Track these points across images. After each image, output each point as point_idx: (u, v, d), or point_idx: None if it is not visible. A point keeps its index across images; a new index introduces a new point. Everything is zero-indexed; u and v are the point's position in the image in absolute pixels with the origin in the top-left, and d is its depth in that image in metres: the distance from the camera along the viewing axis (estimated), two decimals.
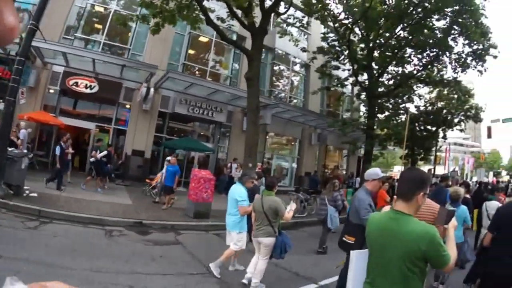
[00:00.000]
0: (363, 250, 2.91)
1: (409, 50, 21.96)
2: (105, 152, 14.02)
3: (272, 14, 15.22)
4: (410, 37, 20.22)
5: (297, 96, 26.40)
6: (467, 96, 26.62)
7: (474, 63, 20.54)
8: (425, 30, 19.48)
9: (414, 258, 2.33)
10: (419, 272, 2.38)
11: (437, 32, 19.68)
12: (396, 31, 20.38)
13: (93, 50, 16.60)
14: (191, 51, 20.66)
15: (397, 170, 55.04)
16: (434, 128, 28.40)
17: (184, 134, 20.92)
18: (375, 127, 22.39)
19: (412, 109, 27.06)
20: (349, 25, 20.05)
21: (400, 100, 25.98)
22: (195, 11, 12.78)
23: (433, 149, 31.83)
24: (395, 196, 2.68)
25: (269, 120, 20.33)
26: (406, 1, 18.32)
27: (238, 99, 18.59)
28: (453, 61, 21.22)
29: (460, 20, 18.25)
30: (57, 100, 17.02)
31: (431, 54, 21.16)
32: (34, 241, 6.90)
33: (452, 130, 30.10)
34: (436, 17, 19.07)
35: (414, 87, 25.30)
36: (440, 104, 28.22)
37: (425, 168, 35.18)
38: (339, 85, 23.93)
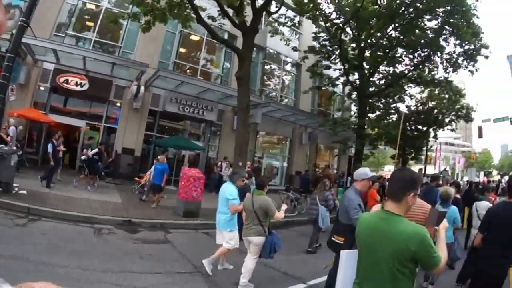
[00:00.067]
0: (353, 250, 2.91)
1: (400, 50, 21.98)
2: (96, 150, 13.99)
3: (264, 13, 15.21)
4: (401, 37, 20.24)
5: (288, 95, 26.42)
6: (458, 96, 26.78)
7: (465, 63, 20.60)
8: (417, 30, 19.52)
9: (403, 259, 2.33)
10: (409, 273, 2.38)
11: (429, 32, 19.73)
12: (388, 31, 20.38)
13: (83, 48, 16.48)
14: (182, 50, 20.61)
15: (388, 170, 55.28)
16: (425, 128, 28.53)
17: (174, 132, 20.85)
18: (366, 126, 22.41)
19: (403, 109, 27.22)
20: (340, 24, 20.02)
21: (391, 100, 26.04)
22: (186, 10, 12.74)
23: (424, 148, 31.99)
24: (385, 198, 2.68)
25: (260, 119, 20.35)
26: (398, 1, 18.31)
27: (228, 98, 18.55)
28: (445, 61, 21.26)
29: (451, 20, 18.27)
30: (47, 98, 16.91)
31: (423, 54, 21.19)
32: (22, 238, 6.86)
33: (443, 130, 30.25)
34: (427, 17, 19.10)
35: (405, 87, 25.37)
36: (431, 104, 28.34)
37: (415, 167, 35.39)
38: (330, 85, 23.92)
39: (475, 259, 5.14)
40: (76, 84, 16.54)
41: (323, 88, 24.76)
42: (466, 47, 19.71)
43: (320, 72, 22.61)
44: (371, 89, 23.10)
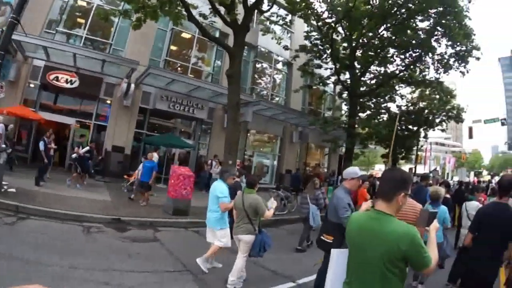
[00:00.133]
0: (344, 249, 2.90)
1: (392, 50, 22.03)
2: (87, 148, 13.90)
3: (255, 12, 15.20)
4: (393, 37, 20.28)
5: (279, 94, 26.38)
6: (449, 96, 26.89)
7: (456, 64, 20.66)
8: (409, 31, 19.56)
9: (394, 259, 2.33)
10: (399, 273, 2.38)
11: (421, 33, 19.78)
12: (380, 31, 20.42)
13: (74, 45, 16.34)
14: (173, 47, 20.53)
15: (378, 169, 55.62)
16: (415, 128, 28.65)
17: (165, 130, 20.77)
18: (356, 126, 22.49)
19: (394, 109, 27.38)
20: (332, 24, 20.05)
21: (382, 100, 26.16)
22: (177, 7, 12.69)
23: (414, 148, 32.15)
24: (374, 197, 2.68)
25: (250, 117, 20.31)
26: (390, 2, 18.31)
27: (219, 96, 18.51)
28: (436, 62, 21.35)
29: (443, 21, 18.31)
30: (37, 95, 16.78)
31: (414, 55, 21.23)
32: (11, 237, 6.81)
33: (434, 130, 30.42)
34: (419, 18, 19.12)
35: (396, 87, 25.50)
36: (422, 104, 28.44)
37: (406, 167, 35.60)
38: (321, 84, 23.96)
39: (465, 258, 5.16)
40: (66, 82, 16.45)
41: (314, 87, 24.79)
42: (458, 48, 19.77)
43: (311, 71, 22.63)
44: (362, 89, 23.22)
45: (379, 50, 21.30)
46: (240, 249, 6.13)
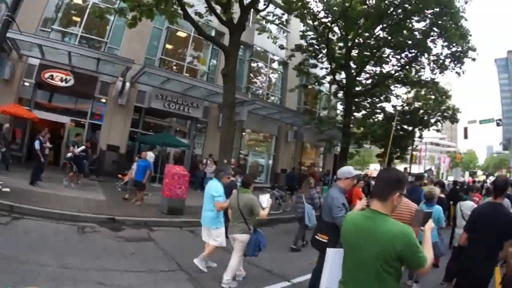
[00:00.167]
0: (339, 249, 2.90)
1: (387, 51, 22.11)
2: (83, 147, 13.80)
3: (251, 11, 15.19)
4: (389, 38, 20.33)
5: (274, 93, 26.39)
6: (444, 97, 26.94)
7: (452, 65, 20.78)
8: (405, 31, 19.61)
9: (389, 258, 2.33)
10: (394, 272, 2.38)
11: (417, 33, 19.83)
12: (376, 31, 20.48)
13: (69, 43, 16.26)
14: (168, 46, 20.50)
15: (373, 168, 55.74)
16: (410, 128, 28.70)
17: (160, 129, 20.75)
18: (351, 125, 22.53)
19: (389, 109, 27.45)
20: (328, 23, 20.09)
21: (377, 100, 26.20)
22: (173, 6, 12.65)
23: (409, 148, 32.22)
24: (369, 196, 2.68)
25: (245, 116, 20.27)
26: (386, 2, 18.37)
27: (214, 95, 18.47)
28: (432, 63, 21.44)
29: (440, 22, 18.38)
30: (32, 93, 16.68)
31: (410, 55, 21.32)
32: (5, 237, 6.79)
33: (429, 130, 30.49)
34: (416, 18, 19.19)
35: (392, 87, 25.55)
36: (417, 104, 28.48)
37: (401, 166, 35.69)
38: (316, 83, 23.99)
39: (461, 258, 5.17)
40: (61, 80, 16.38)
41: (309, 86, 24.81)
42: (454, 49, 19.88)
43: (307, 71, 22.67)
44: (357, 89, 23.28)
45: (375, 50, 21.36)
46: (235, 248, 6.13)
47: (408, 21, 19.25)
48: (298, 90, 24.46)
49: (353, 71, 22.13)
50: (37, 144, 12.20)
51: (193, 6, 13.72)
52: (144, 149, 16.25)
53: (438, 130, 31.09)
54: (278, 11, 18.54)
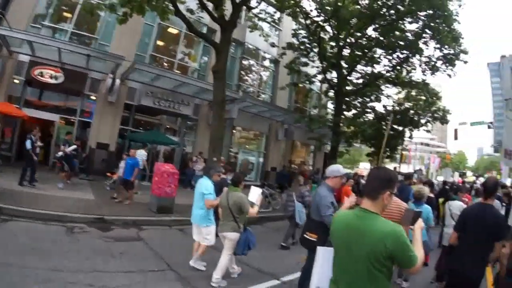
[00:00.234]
0: (330, 247, 2.89)
1: (379, 51, 22.18)
2: (74, 146, 13.62)
3: (244, 8, 15.15)
4: (381, 38, 20.39)
5: (265, 91, 26.40)
6: (434, 98, 27.09)
7: (444, 66, 20.92)
8: (397, 32, 19.69)
9: (380, 257, 2.33)
10: (386, 271, 2.39)
11: (409, 34, 19.92)
12: (368, 31, 20.55)
13: (59, 39, 16.00)
14: (159, 43, 20.38)
15: (363, 167, 56.08)
16: (401, 128, 28.82)
17: (150, 127, 20.61)
18: (341, 124, 22.58)
19: (380, 109, 27.56)
20: (320, 22, 20.12)
21: (367, 99, 26.23)
22: (164, 2, 12.57)
23: (399, 148, 32.37)
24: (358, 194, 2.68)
25: (236, 114, 20.22)
26: (379, 2, 18.42)
27: (205, 92, 18.27)
28: (423, 64, 21.57)
29: (432, 24, 18.50)
30: (22, 91, 16.40)
31: (401, 56, 21.43)
32: None
33: (418, 130, 30.65)
34: (408, 20, 19.27)
35: (383, 87, 25.62)
36: (407, 105, 28.61)
37: (390, 166, 35.85)
38: (307, 82, 24.03)
39: (451, 258, 5.19)
40: (51, 77, 16.11)
41: (300, 85, 24.82)
42: (446, 51, 20.00)
43: (298, 69, 22.73)
44: (348, 88, 23.34)
45: (366, 50, 21.42)
46: (225, 247, 6.17)
47: (400, 22, 19.34)
48: (289, 89, 24.44)
49: (344, 70, 22.19)
50: (28, 144, 11.91)
51: (185, 3, 13.66)
52: (134, 147, 16.07)
53: (428, 131, 31.34)
54: (271, 9, 18.56)
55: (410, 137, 31.31)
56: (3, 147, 16.01)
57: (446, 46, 19.44)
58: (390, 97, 27.60)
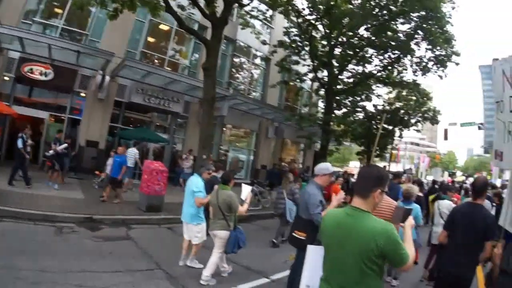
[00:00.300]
0: (320, 246, 2.87)
1: (371, 51, 22.23)
2: (65, 145, 13.45)
3: (236, 5, 15.11)
4: (373, 38, 20.42)
5: (256, 89, 26.39)
6: (425, 98, 27.26)
7: (435, 67, 21.02)
8: (389, 33, 19.74)
9: (372, 256, 2.33)
10: (377, 269, 2.39)
11: (401, 35, 19.99)
12: (360, 31, 20.58)
13: (49, 35, 15.80)
14: (150, 39, 20.22)
15: (353, 166, 56.38)
16: (391, 127, 28.96)
17: (140, 124, 20.46)
18: (331, 123, 22.62)
19: (370, 108, 27.71)
20: (312, 21, 20.13)
21: (358, 98, 26.33)
22: None
23: (389, 147, 32.53)
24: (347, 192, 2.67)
25: (226, 112, 20.13)
26: (372, 2, 18.46)
27: (195, 89, 18.16)
28: (414, 64, 21.67)
29: (425, 25, 18.58)
30: (12, 88, 16.09)
31: (393, 56, 21.51)
32: None
33: (408, 130, 30.82)
34: (401, 20, 19.34)
35: (373, 87, 25.73)
36: (398, 105, 28.76)
37: (380, 165, 36.06)
38: (298, 80, 24.07)
39: (440, 257, 5.21)
40: (41, 74, 15.89)
41: (291, 83, 24.85)
42: (438, 52, 20.09)
43: (289, 67, 22.65)
44: (338, 87, 23.34)
45: (358, 50, 21.46)
46: (215, 245, 6.20)
47: (393, 22, 19.39)
48: (279, 87, 24.50)
49: (335, 69, 22.20)
50: (20, 143, 11.71)
51: None
52: (123, 144, 15.91)
53: (418, 130, 31.52)
54: (263, 7, 18.48)
55: (400, 136, 31.50)
56: None
57: (438, 48, 19.54)
58: (380, 96, 27.76)
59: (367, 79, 23.29)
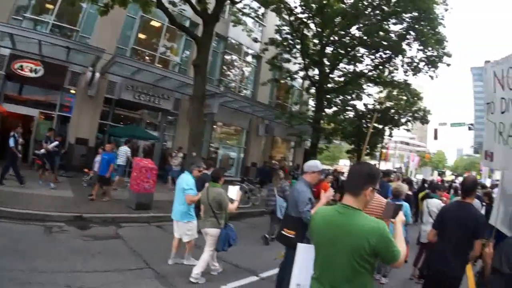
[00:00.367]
0: (311, 245, 2.86)
1: (362, 50, 22.31)
2: (56, 143, 13.29)
3: (228, 2, 15.07)
4: (364, 37, 20.46)
5: (247, 87, 26.38)
6: (416, 98, 27.41)
7: (426, 68, 21.16)
8: (381, 32, 19.79)
9: (364, 253, 2.33)
10: (369, 267, 2.39)
11: (393, 35, 20.07)
12: (351, 30, 20.62)
13: (40, 31, 15.59)
14: (141, 36, 20.07)
15: (343, 164, 56.66)
16: (381, 126, 29.09)
17: (130, 121, 20.36)
18: (322, 121, 22.66)
19: (360, 106, 27.81)
20: (304, 19, 20.13)
21: (349, 97, 26.43)
22: None
23: (379, 145, 32.68)
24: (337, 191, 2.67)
25: (217, 109, 20.01)
26: (365, 2, 18.49)
27: (186, 86, 18.07)
28: (405, 64, 21.76)
29: (417, 26, 18.67)
30: (2, 86, 15.87)
31: (384, 56, 21.61)
32: None
33: (399, 129, 30.99)
34: (393, 21, 19.41)
35: (364, 86, 25.86)
36: (388, 104, 28.89)
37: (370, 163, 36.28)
38: (289, 78, 24.09)
39: (431, 256, 5.22)
40: (31, 70, 15.65)
41: (282, 81, 24.85)
42: (429, 53, 20.21)
43: (280, 65, 22.63)
44: (329, 85, 23.37)
45: (349, 49, 21.51)
46: (206, 243, 6.23)
47: (385, 22, 19.44)
48: (270, 84, 24.43)
49: (326, 68, 22.22)
50: (11, 142, 11.61)
51: None
52: (112, 142, 15.80)
53: (408, 130, 31.76)
54: (255, 4, 18.43)
55: (390, 135, 31.65)
56: None
57: (430, 48, 19.65)
58: (371, 95, 27.88)
59: (358, 78, 23.35)
